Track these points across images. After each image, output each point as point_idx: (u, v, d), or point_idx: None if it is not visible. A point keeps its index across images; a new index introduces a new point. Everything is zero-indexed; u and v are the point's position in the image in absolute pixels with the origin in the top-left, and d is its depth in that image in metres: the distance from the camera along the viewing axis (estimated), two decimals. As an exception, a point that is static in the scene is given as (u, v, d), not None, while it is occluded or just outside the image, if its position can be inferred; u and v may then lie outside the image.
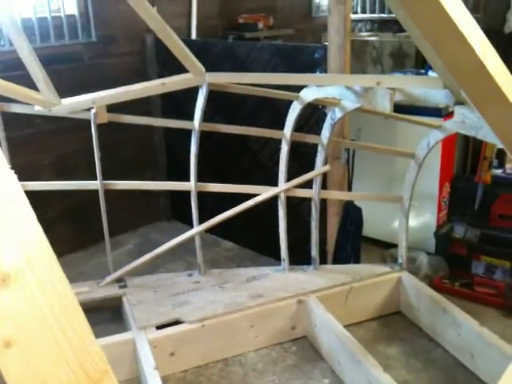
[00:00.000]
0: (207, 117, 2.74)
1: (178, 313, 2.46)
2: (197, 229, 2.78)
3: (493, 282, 2.84)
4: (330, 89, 2.48)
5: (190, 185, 2.78)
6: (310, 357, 2.45)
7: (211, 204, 2.93)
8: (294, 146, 2.78)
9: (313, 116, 2.88)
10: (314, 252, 2.83)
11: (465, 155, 3.57)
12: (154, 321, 2.40)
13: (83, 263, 3.27)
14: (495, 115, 1.56)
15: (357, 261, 2.94)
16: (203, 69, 2.57)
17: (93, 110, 2.55)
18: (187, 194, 2.80)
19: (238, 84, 2.65)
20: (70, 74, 3.23)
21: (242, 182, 2.86)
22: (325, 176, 2.84)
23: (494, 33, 4.11)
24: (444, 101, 2.14)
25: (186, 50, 2.47)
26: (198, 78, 2.59)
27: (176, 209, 3.97)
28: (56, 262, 0.74)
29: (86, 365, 0.70)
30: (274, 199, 2.81)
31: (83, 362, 0.69)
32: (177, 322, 2.42)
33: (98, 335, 0.73)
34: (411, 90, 2.17)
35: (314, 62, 2.83)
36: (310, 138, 2.80)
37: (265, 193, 2.79)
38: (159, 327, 2.38)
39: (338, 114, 2.60)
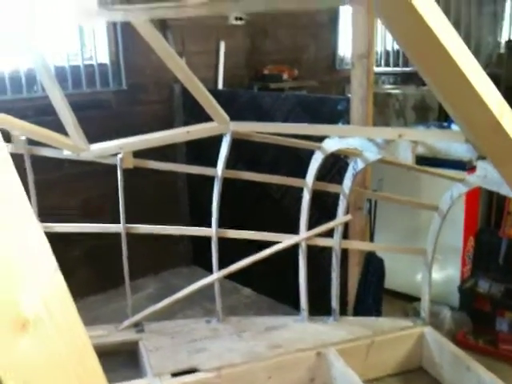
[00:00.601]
0: (230, 164, 2.78)
1: (195, 360, 2.43)
2: (216, 275, 2.77)
3: (518, 339, 2.75)
4: (352, 140, 2.51)
5: (211, 230, 2.79)
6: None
7: (231, 251, 2.93)
8: (316, 195, 2.79)
9: (335, 166, 2.90)
10: (335, 303, 2.79)
11: (489, 208, 3.53)
12: (170, 368, 2.37)
13: (102, 306, 3.27)
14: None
15: (378, 313, 2.88)
16: (227, 118, 2.63)
17: (119, 156, 2.61)
18: (208, 239, 2.81)
19: (261, 133, 2.69)
20: (100, 120, 3.33)
21: (262, 230, 2.86)
22: (346, 226, 2.83)
23: (516, 89, 4.13)
24: (466, 155, 2.13)
25: (212, 99, 2.54)
26: (222, 126, 2.65)
27: (197, 254, 3.98)
28: (74, 309, 0.75)
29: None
30: (294, 247, 2.80)
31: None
32: (193, 370, 2.38)
33: (113, 380, 0.73)
34: (433, 143, 2.18)
35: (337, 114, 2.87)
36: (332, 188, 2.81)
37: (285, 240, 2.79)
38: (175, 374, 2.34)
39: (360, 164, 2.61)
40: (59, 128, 2.47)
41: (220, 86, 4.01)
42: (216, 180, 2.76)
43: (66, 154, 2.60)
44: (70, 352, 0.71)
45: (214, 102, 2.56)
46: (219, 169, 2.74)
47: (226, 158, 2.71)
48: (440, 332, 2.71)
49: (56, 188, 3.25)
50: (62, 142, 2.54)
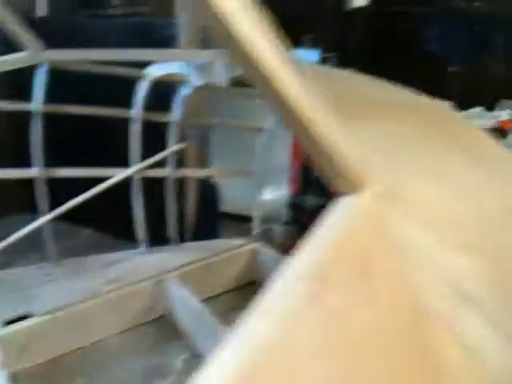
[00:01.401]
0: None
1: (27, 307, 2.32)
2: (45, 217, 2.64)
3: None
4: (175, 65, 2.49)
5: (36, 171, 2.62)
6: (169, 336, 2.44)
7: (67, 194, 2.76)
8: (148, 126, 2.72)
9: (163, 94, 2.83)
10: (172, 231, 2.83)
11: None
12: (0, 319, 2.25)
13: None
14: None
15: (215, 237, 2.98)
16: (43, 46, 2.43)
17: None
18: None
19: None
20: None
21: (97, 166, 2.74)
22: (182, 155, 2.83)
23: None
24: None
25: (20, 25, 2.30)
26: (36, 55, 2.44)
27: (32, 201, 3.70)
28: None
29: None
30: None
31: None
32: (26, 317, 2.28)
33: None
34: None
35: (167, 39, 2.79)
36: (162, 117, 2.77)
37: (118, 175, 2.72)
38: (6, 324, 2.22)
39: (187, 90, 2.61)
40: None
41: (39, 12, 3.64)
42: (35, 116, 2.56)
43: None
44: None
45: (24, 27, 2.32)
46: (37, 102, 2.53)
47: (43, 89, 2.51)
48: (272, 246, 2.90)
49: None
50: None
